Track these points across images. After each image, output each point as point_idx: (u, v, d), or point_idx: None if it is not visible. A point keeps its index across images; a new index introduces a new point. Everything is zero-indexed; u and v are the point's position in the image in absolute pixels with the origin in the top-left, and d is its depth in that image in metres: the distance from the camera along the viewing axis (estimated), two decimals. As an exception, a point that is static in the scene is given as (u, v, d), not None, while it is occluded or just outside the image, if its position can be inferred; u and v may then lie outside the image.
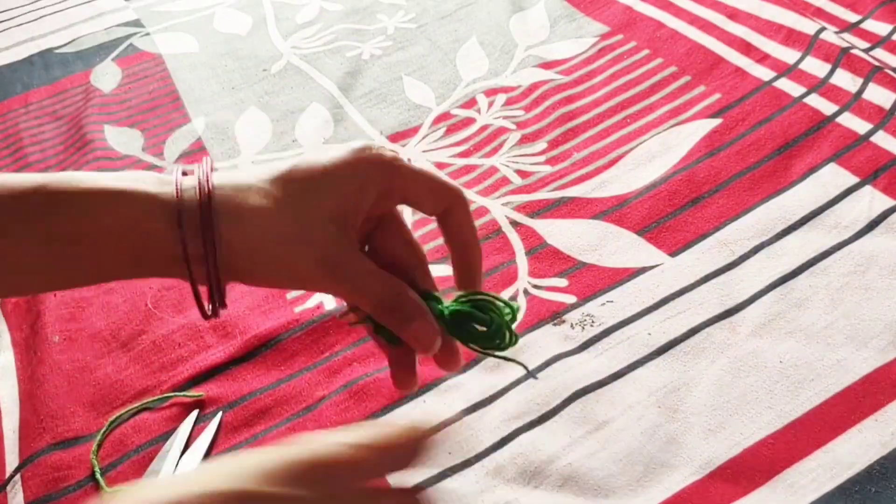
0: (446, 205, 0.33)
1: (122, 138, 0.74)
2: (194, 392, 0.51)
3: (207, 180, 0.30)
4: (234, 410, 0.50)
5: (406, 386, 0.35)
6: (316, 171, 0.31)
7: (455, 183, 0.34)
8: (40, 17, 0.95)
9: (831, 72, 0.66)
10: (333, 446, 0.26)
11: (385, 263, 0.33)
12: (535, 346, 0.50)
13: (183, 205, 0.30)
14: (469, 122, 0.70)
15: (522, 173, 0.63)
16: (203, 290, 0.31)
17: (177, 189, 0.30)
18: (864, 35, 0.71)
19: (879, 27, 0.71)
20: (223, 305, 0.32)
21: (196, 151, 0.72)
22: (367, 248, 0.35)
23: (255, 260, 0.31)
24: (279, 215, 0.31)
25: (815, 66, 0.67)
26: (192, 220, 0.30)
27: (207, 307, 0.32)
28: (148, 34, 0.89)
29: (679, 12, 0.76)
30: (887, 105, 0.62)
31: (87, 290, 0.58)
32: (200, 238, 0.30)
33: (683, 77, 0.69)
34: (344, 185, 0.31)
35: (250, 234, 0.30)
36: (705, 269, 0.53)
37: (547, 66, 0.74)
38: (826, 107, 0.63)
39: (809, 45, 0.69)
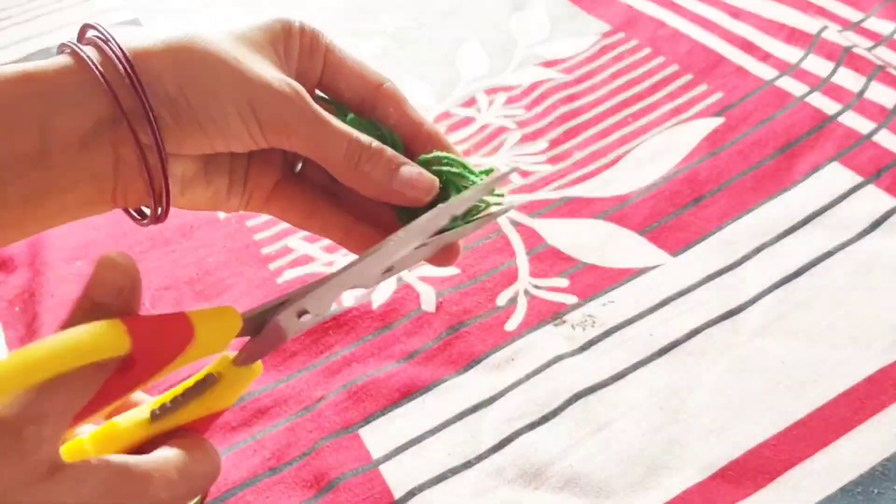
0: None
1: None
2: (192, 392, 0.51)
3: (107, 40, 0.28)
4: (233, 411, 0.49)
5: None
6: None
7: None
8: (37, 17, 0.95)
9: (834, 70, 0.65)
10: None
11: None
12: (535, 346, 0.50)
13: (89, 57, 0.28)
14: (469, 121, 0.69)
15: (523, 172, 0.63)
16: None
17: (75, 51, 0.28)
18: (867, 34, 0.70)
19: (882, 25, 0.70)
20: (167, 191, 0.29)
21: (195, 150, 0.71)
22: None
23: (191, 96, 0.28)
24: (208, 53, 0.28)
25: (818, 65, 0.66)
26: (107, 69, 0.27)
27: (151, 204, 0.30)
28: (147, 33, 0.89)
29: (681, 11, 0.76)
30: (890, 104, 0.61)
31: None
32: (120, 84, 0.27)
33: (685, 76, 0.69)
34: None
35: (175, 72, 0.28)
36: (707, 269, 0.53)
37: (547, 64, 0.73)
38: (829, 106, 0.63)
39: (812, 43, 0.68)
